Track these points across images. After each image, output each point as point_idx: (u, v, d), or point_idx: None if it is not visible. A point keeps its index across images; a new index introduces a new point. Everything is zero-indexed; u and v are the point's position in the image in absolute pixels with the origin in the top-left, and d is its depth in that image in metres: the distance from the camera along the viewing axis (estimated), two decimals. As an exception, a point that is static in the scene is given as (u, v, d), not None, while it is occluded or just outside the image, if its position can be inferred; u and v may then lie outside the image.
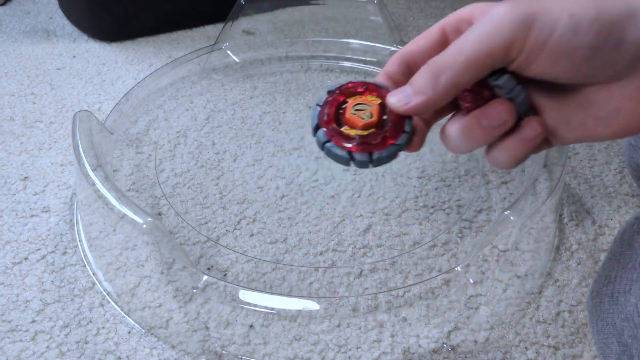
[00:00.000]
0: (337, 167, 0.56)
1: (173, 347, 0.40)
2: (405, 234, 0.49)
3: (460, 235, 0.49)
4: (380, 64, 0.71)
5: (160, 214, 0.51)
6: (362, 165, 0.28)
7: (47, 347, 0.40)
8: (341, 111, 0.30)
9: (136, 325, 0.41)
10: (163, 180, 0.54)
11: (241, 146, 0.59)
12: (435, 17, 0.86)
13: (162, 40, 0.77)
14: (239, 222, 0.50)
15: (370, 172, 0.55)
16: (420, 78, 0.27)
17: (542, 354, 0.40)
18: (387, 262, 0.46)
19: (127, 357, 0.39)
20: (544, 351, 0.40)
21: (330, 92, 0.30)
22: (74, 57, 0.73)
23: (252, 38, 0.76)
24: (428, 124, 0.32)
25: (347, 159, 0.28)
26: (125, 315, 0.42)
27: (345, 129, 0.29)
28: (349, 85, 0.31)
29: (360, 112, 0.29)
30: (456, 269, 0.44)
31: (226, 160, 0.57)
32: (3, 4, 0.84)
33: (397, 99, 0.28)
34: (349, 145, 0.28)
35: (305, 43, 0.75)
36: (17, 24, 0.79)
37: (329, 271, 0.46)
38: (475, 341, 0.41)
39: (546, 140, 0.30)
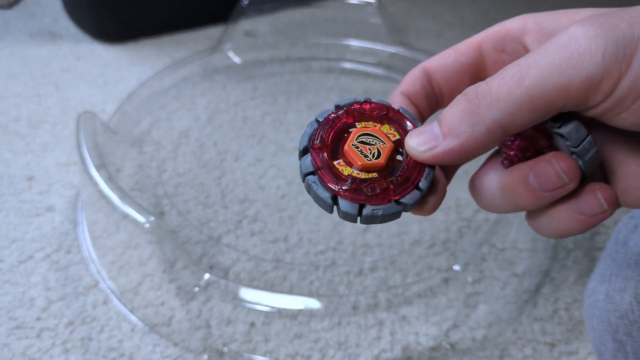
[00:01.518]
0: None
1: (175, 344, 0.40)
2: (404, 233, 0.49)
3: (459, 234, 0.49)
4: (380, 65, 0.71)
5: (162, 213, 0.51)
6: (347, 217, 0.21)
7: (52, 343, 0.40)
8: (344, 137, 0.22)
9: (139, 322, 0.42)
10: (165, 180, 0.55)
11: (243, 146, 0.59)
12: (435, 18, 0.86)
13: (165, 42, 0.78)
14: (240, 222, 0.51)
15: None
16: (454, 113, 0.19)
17: (538, 351, 0.40)
18: (387, 261, 0.47)
19: (130, 354, 0.40)
20: (541, 348, 0.41)
21: (338, 108, 0.22)
22: (79, 58, 0.74)
23: (254, 39, 0.77)
24: (449, 174, 0.24)
25: (330, 205, 0.21)
26: (128, 313, 0.42)
27: (339, 164, 0.21)
28: (365, 105, 0.22)
29: (366, 146, 0.21)
30: (455, 267, 0.44)
31: (228, 160, 0.58)
32: (9, 7, 0.85)
33: (419, 142, 0.20)
34: (336, 187, 0.21)
35: (306, 44, 0.75)
36: (23, 26, 0.80)
37: (330, 270, 0.46)
38: (474, 339, 0.41)
39: None
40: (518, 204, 0.21)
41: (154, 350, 0.40)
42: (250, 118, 0.64)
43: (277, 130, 0.62)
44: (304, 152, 0.22)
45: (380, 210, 0.20)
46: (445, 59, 0.24)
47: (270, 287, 0.45)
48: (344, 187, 0.21)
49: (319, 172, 0.21)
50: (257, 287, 0.44)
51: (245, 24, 0.75)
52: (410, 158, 0.21)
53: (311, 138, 0.22)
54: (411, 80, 0.24)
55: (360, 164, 0.21)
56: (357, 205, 0.20)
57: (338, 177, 0.21)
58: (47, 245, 0.48)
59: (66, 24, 0.81)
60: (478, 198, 0.22)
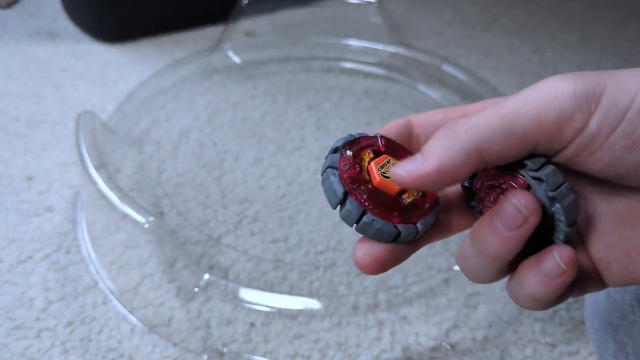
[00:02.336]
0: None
1: (175, 344, 0.40)
2: (404, 233, 0.49)
3: (459, 234, 0.49)
4: (380, 65, 0.71)
5: (162, 213, 0.51)
6: (347, 218, 0.21)
7: (52, 344, 0.40)
8: (362, 170, 0.22)
9: (139, 323, 0.42)
10: (165, 180, 0.55)
11: (242, 146, 0.59)
12: (434, 18, 0.86)
13: (164, 42, 0.77)
14: (240, 222, 0.51)
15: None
16: (434, 140, 0.21)
17: (539, 352, 0.40)
18: (387, 261, 0.47)
19: (130, 354, 0.40)
20: (542, 349, 0.40)
21: (348, 143, 0.23)
22: (78, 58, 0.74)
23: (253, 39, 0.77)
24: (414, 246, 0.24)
25: (339, 199, 0.21)
26: (128, 313, 0.42)
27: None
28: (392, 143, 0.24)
29: (387, 169, 0.22)
30: (455, 267, 0.44)
31: (227, 160, 0.58)
32: (8, 7, 0.84)
33: (403, 169, 0.21)
34: (351, 186, 0.21)
35: (306, 44, 0.75)
36: (22, 26, 0.80)
37: (330, 270, 0.46)
38: (474, 339, 0.41)
39: (597, 278, 0.22)
40: (490, 252, 0.20)
41: (153, 350, 0.40)
42: (250, 118, 0.63)
43: (277, 130, 0.62)
44: (334, 151, 0.23)
45: (379, 223, 0.21)
46: (432, 116, 0.25)
47: (270, 288, 0.45)
48: (358, 189, 0.21)
49: (341, 170, 0.22)
50: (257, 288, 0.44)
51: (245, 24, 0.75)
52: (417, 200, 0.22)
53: (345, 144, 0.23)
54: (393, 124, 0.25)
55: (377, 180, 0.22)
56: (362, 210, 0.21)
57: (356, 180, 0.22)
58: (46, 246, 0.48)
59: (65, 23, 0.81)
60: (460, 264, 0.22)
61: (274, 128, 0.62)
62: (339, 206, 0.21)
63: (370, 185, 0.22)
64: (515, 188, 0.21)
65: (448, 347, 0.40)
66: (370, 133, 0.24)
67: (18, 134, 0.60)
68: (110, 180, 0.44)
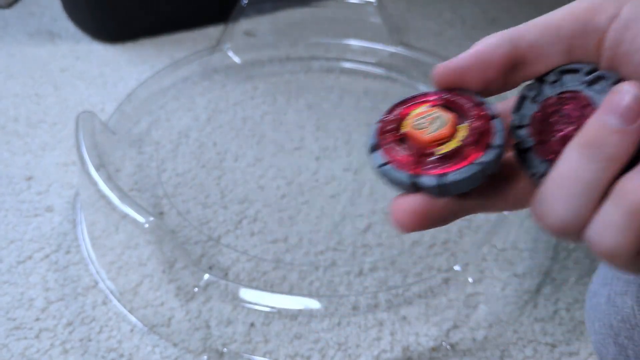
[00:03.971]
0: (338, 167, 0.56)
1: (175, 345, 0.40)
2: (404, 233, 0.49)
3: (459, 234, 0.49)
4: (380, 64, 0.71)
5: (162, 213, 0.51)
6: (432, 191, 0.20)
7: (51, 344, 0.40)
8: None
9: (138, 323, 0.42)
10: (165, 180, 0.55)
11: (242, 146, 0.59)
12: (434, 18, 0.86)
13: (164, 42, 0.77)
14: (240, 222, 0.51)
15: (370, 172, 0.56)
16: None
17: (539, 352, 0.40)
18: (387, 261, 0.47)
19: (130, 354, 0.40)
20: (542, 349, 0.40)
21: (396, 105, 0.22)
22: (78, 58, 0.74)
23: (253, 39, 0.77)
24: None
25: (408, 185, 0.20)
26: (127, 314, 0.42)
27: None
28: (422, 97, 0.22)
29: (426, 122, 0.21)
30: (455, 267, 0.44)
31: (227, 160, 0.57)
32: (8, 7, 0.84)
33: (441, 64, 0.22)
34: (408, 168, 0.20)
35: (306, 44, 0.75)
36: (22, 26, 0.80)
37: (330, 270, 0.46)
38: (474, 339, 0.41)
39: None
40: (608, 155, 0.17)
41: (153, 350, 0.40)
42: (250, 118, 0.63)
43: (277, 130, 0.62)
44: (372, 149, 0.21)
45: (391, 170, 0.20)
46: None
47: (270, 288, 0.45)
48: (387, 138, 0.21)
49: (390, 163, 0.21)
50: (256, 288, 0.44)
51: (244, 24, 0.75)
52: (456, 150, 0.20)
53: (377, 134, 0.22)
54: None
55: (408, 129, 0.21)
56: (380, 160, 0.21)
57: (387, 131, 0.21)
58: (46, 246, 0.47)
59: (65, 23, 0.81)
60: (552, 192, 0.18)
61: (273, 128, 0.62)
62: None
63: (400, 135, 0.21)
64: (584, 102, 0.19)
65: (448, 347, 0.40)
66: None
67: (18, 134, 0.60)
68: (109, 180, 0.44)
